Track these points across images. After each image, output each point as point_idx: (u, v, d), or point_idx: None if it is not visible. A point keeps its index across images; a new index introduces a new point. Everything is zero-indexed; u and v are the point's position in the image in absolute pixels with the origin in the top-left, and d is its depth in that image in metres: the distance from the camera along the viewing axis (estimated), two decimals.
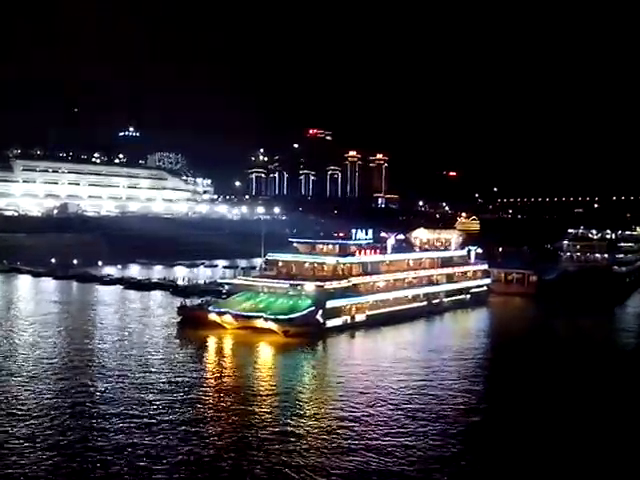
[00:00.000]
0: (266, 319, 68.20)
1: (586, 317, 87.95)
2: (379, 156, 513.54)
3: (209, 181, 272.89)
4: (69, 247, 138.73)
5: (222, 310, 71.84)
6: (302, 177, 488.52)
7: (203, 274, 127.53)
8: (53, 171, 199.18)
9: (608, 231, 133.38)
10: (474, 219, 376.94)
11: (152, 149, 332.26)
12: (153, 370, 53.29)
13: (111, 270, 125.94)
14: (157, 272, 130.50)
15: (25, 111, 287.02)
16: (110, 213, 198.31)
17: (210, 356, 61.29)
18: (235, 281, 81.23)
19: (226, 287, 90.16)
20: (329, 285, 74.08)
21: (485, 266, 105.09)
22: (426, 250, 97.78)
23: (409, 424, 42.44)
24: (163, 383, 49.36)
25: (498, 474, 36.48)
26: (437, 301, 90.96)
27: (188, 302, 78.51)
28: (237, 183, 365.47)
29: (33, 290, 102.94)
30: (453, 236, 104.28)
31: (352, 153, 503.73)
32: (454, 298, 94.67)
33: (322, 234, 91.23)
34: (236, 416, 43.07)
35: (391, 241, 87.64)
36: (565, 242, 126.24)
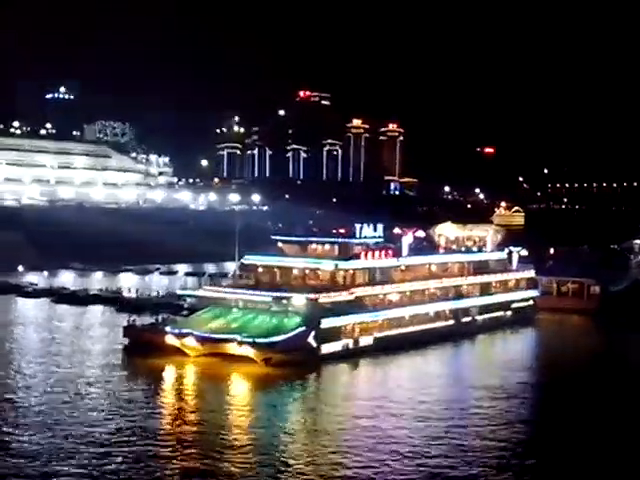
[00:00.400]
0: (241, 343, 68.09)
1: None
2: (392, 127, 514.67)
3: (166, 159, 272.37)
4: None
5: (183, 331, 71.71)
6: (290, 154, 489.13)
7: (158, 283, 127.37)
8: None
9: None
10: (517, 211, 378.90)
11: (91, 116, 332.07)
12: (89, 415, 52.92)
13: (35, 278, 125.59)
14: (97, 281, 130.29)
15: None
16: (34, 202, 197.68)
17: (166, 394, 61.09)
18: (200, 293, 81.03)
19: (188, 301, 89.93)
20: (325, 298, 74.03)
21: (531, 273, 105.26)
22: (453, 252, 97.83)
23: None
24: (102, 434, 48.98)
25: None
26: (468, 320, 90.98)
27: (138, 321, 78.33)
28: (204, 162, 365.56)
29: None
30: (489, 233, 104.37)
31: (356, 122, 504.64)
32: (490, 316, 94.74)
33: (316, 230, 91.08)
34: (199, 478, 42.90)
35: (407, 240, 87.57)
36: (638, 241, 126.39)
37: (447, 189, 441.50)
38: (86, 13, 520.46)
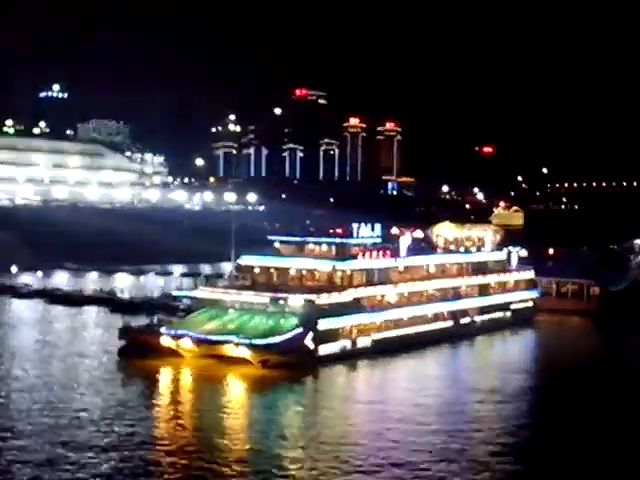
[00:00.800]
0: (237, 344, 67.99)
1: None
2: (389, 126, 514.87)
3: (161, 159, 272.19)
4: None
5: (179, 333, 71.59)
6: (286, 153, 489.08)
7: (153, 284, 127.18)
8: None
9: None
10: (516, 210, 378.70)
11: (85, 115, 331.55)
12: (83, 419, 52.61)
13: (29, 278, 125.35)
14: (92, 281, 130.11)
15: None
16: (28, 202, 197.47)
17: (161, 396, 60.97)
18: (196, 294, 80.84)
19: (184, 302, 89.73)
20: (322, 299, 73.91)
21: (531, 274, 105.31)
22: (452, 252, 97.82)
23: None
24: (96, 438, 48.69)
25: None
26: (466, 321, 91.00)
27: (133, 322, 78.20)
28: (199, 161, 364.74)
29: None
30: (488, 233, 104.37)
31: (354, 121, 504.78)
32: (489, 317, 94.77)
33: (313, 230, 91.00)
34: None
35: (405, 240, 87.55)
36: (638, 242, 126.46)
37: (445, 189, 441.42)
38: (85, 12, 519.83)
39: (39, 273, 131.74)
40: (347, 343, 75.04)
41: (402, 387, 66.26)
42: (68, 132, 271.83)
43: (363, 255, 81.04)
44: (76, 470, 43.43)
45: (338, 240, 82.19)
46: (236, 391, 64.06)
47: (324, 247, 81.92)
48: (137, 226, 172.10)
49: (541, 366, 78.09)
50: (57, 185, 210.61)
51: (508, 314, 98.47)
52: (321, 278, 78.72)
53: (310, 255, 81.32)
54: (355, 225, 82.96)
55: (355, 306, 76.97)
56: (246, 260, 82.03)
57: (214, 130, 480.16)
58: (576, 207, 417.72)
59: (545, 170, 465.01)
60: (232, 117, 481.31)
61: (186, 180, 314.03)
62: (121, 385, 62.80)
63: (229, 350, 68.49)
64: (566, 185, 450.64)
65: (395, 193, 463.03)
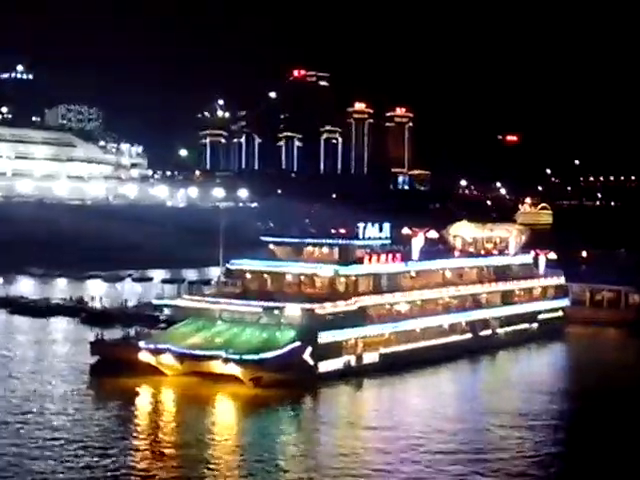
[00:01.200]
0: (226, 360, 68.04)
1: None
2: (399, 111, 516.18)
3: (140, 149, 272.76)
4: None
5: (159, 347, 71.65)
6: (282, 143, 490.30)
7: (130, 291, 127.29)
8: None
9: None
10: (544, 207, 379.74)
11: (53, 100, 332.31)
12: (51, 447, 52.44)
13: None
14: (60, 289, 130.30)
15: None
16: None
17: (139, 420, 60.92)
18: (179, 302, 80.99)
19: (165, 312, 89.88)
20: (323, 309, 73.99)
21: (561, 279, 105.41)
22: (471, 255, 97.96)
23: None
24: (67, 469, 48.68)
25: None
26: (487, 333, 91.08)
27: (107, 335, 78.24)
28: (183, 152, 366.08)
29: None
30: (512, 233, 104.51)
31: (359, 107, 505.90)
32: (513, 329, 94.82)
33: (313, 230, 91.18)
34: None
35: (418, 241, 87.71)
36: None
37: (464, 183, 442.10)
38: None
39: (0, 279, 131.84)
40: (351, 358, 74.99)
41: (414, 410, 66.27)
42: (34, 118, 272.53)
43: (370, 259, 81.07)
44: None
45: (341, 242, 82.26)
46: (224, 414, 64.07)
47: (325, 249, 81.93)
48: (112, 225, 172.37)
49: (572, 385, 78.09)
50: (21, 178, 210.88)
51: (535, 325, 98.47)
52: (322, 285, 78.75)
53: (309, 259, 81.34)
54: (361, 225, 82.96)
55: (360, 316, 76.95)
56: (236, 264, 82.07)
57: (200, 117, 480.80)
58: (612, 203, 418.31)
59: (577, 162, 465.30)
60: (220, 102, 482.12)
61: (168, 173, 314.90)
62: (93, 408, 62.63)
63: (217, 367, 68.47)
64: (601, 178, 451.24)
65: (406, 188, 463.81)
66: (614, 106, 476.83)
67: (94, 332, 79.86)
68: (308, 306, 73.13)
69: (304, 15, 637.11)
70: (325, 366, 72.39)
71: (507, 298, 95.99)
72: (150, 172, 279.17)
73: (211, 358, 68.88)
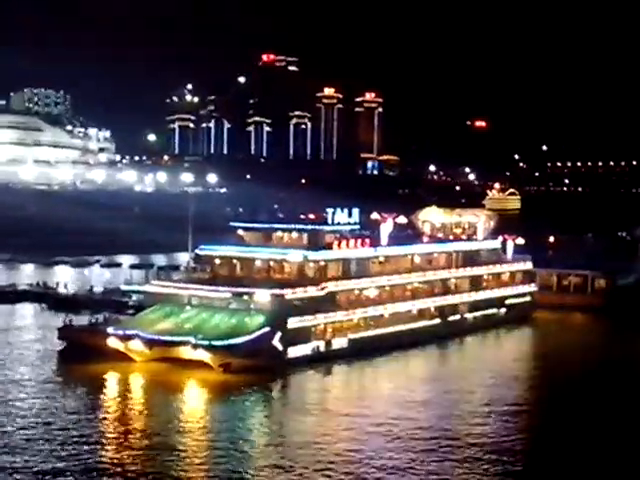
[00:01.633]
0: (195, 346, 68.01)
1: None
2: (369, 96, 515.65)
3: (108, 133, 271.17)
4: None
5: (128, 332, 71.42)
6: (251, 128, 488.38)
7: (98, 277, 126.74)
8: None
9: None
10: (512, 193, 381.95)
11: (18, 83, 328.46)
12: (16, 437, 51.94)
13: None
14: (27, 274, 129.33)
15: None
16: None
17: (108, 407, 60.57)
18: (148, 288, 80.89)
19: (134, 297, 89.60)
20: (292, 294, 74.13)
21: (529, 264, 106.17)
22: (440, 241, 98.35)
23: None
24: (33, 457, 48.31)
25: None
26: (456, 318, 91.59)
27: (75, 320, 77.86)
28: (151, 137, 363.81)
29: None
30: (481, 219, 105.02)
31: (329, 91, 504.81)
32: (481, 313, 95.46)
33: (282, 216, 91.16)
34: None
35: (387, 227, 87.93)
36: None
37: (432, 168, 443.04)
38: None
39: None
40: (320, 344, 75.18)
41: (383, 395, 66.41)
42: None
43: (339, 244, 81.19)
44: None
45: (310, 227, 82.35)
46: (193, 400, 63.93)
47: (294, 235, 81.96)
48: (80, 211, 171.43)
49: (540, 371, 78.47)
50: None
51: (503, 310, 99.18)
52: (291, 270, 78.80)
53: (278, 244, 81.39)
54: (330, 210, 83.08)
55: (329, 302, 77.14)
56: (205, 250, 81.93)
57: (168, 101, 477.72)
58: (580, 189, 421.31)
59: (545, 147, 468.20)
60: (189, 86, 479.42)
61: (136, 158, 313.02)
62: (61, 394, 62.29)
63: (186, 353, 68.36)
64: (569, 164, 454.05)
65: (375, 173, 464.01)
66: (582, 92, 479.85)
67: (62, 318, 79.57)
68: (277, 292, 73.23)
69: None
70: (294, 351, 72.54)
71: (475, 283, 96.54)
72: (118, 157, 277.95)
73: (180, 344, 68.80)
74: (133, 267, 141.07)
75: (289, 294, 73.76)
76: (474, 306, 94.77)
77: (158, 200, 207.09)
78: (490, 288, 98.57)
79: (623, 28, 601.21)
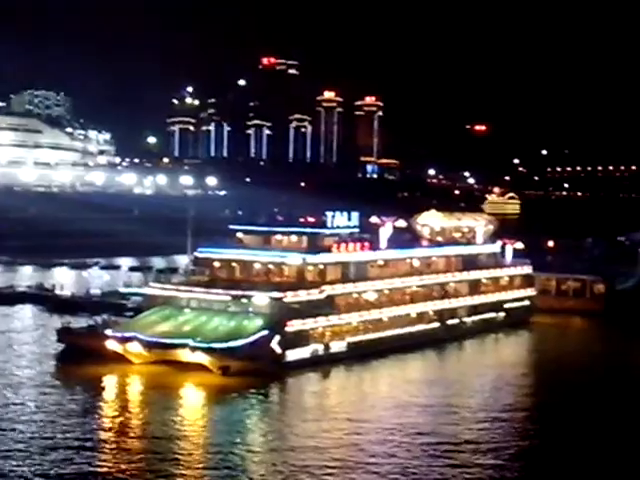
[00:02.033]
0: (194, 349, 67.90)
1: None
2: (369, 100, 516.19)
3: (108, 136, 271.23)
4: None
5: (126, 335, 71.34)
6: (252, 131, 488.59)
7: (97, 280, 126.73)
8: None
9: None
10: (512, 197, 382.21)
11: (18, 85, 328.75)
12: (15, 438, 51.86)
13: None
14: (26, 276, 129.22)
15: None
16: None
17: (106, 410, 60.46)
18: (147, 291, 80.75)
19: (133, 300, 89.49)
20: (291, 297, 74.08)
21: (527, 269, 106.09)
22: (439, 245, 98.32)
23: None
24: (31, 461, 48.10)
25: None
26: (454, 322, 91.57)
27: (74, 323, 77.95)
28: (151, 139, 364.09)
29: None
30: (480, 223, 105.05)
31: (329, 95, 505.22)
32: (480, 317, 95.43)
33: (282, 219, 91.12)
34: None
35: (386, 230, 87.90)
36: None
37: (432, 172, 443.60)
38: None
39: None
40: (319, 347, 75.12)
41: (381, 399, 66.28)
42: None
43: (338, 247, 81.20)
44: None
45: (310, 230, 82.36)
46: (192, 403, 63.85)
47: (293, 238, 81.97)
48: (79, 213, 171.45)
49: (538, 375, 78.49)
50: None
51: (501, 314, 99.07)
52: (290, 273, 78.73)
53: (278, 247, 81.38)
54: (329, 213, 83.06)
55: (328, 305, 77.10)
56: (204, 253, 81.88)
57: (169, 104, 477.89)
58: (579, 194, 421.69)
59: (545, 152, 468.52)
60: (189, 89, 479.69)
61: (136, 161, 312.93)
62: (59, 398, 61.97)
63: (184, 355, 68.28)
64: (568, 169, 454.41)
65: (375, 177, 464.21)
66: (582, 97, 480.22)
67: (60, 320, 79.52)
68: (276, 295, 73.14)
69: (275, 3, 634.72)
70: (293, 355, 72.41)
71: (474, 287, 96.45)
72: (118, 159, 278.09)
73: (179, 346, 68.68)
74: (132, 269, 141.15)
75: (288, 297, 73.70)
76: (473, 310, 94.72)
77: (157, 203, 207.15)
78: (489, 292, 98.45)
79: (623, 33, 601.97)
